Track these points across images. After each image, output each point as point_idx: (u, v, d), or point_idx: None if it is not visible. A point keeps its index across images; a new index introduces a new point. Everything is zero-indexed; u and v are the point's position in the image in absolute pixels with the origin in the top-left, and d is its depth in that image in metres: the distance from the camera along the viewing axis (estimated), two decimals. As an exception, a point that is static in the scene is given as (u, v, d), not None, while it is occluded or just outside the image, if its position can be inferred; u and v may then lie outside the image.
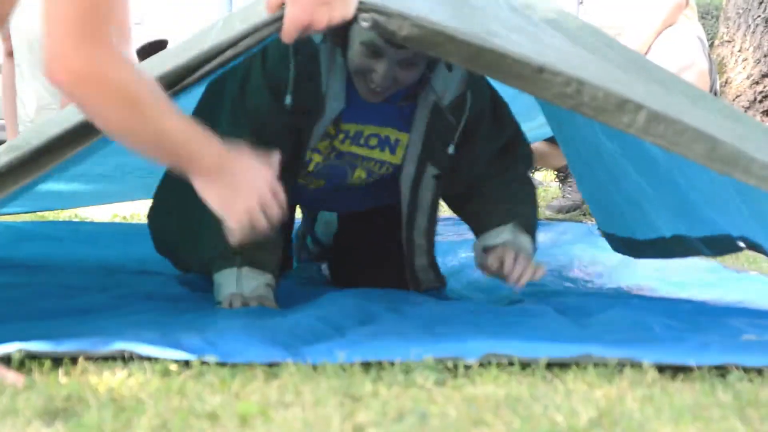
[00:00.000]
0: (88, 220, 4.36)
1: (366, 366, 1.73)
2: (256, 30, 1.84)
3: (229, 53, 1.84)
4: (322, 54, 2.24)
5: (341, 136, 2.38)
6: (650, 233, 2.71)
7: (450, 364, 1.72)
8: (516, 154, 2.49)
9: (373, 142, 2.42)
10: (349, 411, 1.47)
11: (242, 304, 2.15)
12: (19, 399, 1.48)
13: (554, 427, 1.38)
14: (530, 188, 2.51)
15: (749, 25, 5.61)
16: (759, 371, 1.69)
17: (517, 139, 2.50)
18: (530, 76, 1.78)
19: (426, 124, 2.34)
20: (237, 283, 2.20)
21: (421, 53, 2.08)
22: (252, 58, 2.23)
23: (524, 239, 2.35)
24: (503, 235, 2.34)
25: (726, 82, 5.73)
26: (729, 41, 5.57)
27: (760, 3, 5.45)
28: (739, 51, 5.70)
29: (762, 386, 1.62)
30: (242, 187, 1.82)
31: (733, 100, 5.70)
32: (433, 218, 2.49)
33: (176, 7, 6.44)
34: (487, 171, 2.45)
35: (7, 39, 5.69)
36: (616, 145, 2.44)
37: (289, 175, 2.24)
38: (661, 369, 1.71)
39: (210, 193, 1.78)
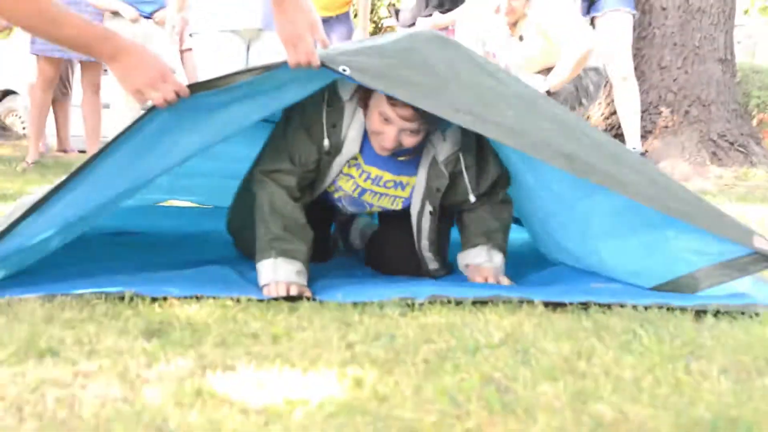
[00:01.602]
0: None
1: (355, 303, 2.15)
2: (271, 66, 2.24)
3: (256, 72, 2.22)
4: (346, 109, 2.48)
5: (364, 176, 2.61)
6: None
7: (410, 302, 2.14)
8: (497, 186, 2.65)
9: (390, 184, 2.64)
10: (343, 333, 1.86)
11: (278, 289, 2.27)
12: (129, 322, 1.88)
13: (477, 344, 1.78)
14: (506, 210, 2.67)
15: None
16: (609, 306, 2.12)
17: (500, 178, 2.66)
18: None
19: (427, 172, 2.57)
20: (274, 270, 2.33)
21: (422, 125, 2.34)
22: (292, 107, 2.47)
23: (496, 256, 2.56)
24: (480, 256, 2.56)
25: (587, 118, 6.69)
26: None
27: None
28: None
29: (611, 316, 2.05)
30: (134, 73, 2.16)
31: None
32: (433, 238, 2.67)
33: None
34: (473, 203, 2.63)
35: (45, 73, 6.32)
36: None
37: (316, 190, 2.61)
38: (546, 304, 2.13)
39: (113, 72, 2.18)
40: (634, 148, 6.14)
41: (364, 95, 2.41)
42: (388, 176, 2.62)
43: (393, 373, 1.60)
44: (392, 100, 2.28)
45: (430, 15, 6.12)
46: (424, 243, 2.69)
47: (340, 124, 2.48)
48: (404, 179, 2.63)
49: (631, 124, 6.21)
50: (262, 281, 2.34)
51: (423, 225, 2.65)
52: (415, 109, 2.25)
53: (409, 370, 1.62)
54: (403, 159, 2.56)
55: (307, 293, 2.30)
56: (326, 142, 2.49)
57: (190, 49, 6.38)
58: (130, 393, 1.44)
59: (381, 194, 2.68)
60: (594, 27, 6.21)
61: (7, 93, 9.26)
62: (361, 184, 2.64)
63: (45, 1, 2.08)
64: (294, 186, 2.50)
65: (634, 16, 6.29)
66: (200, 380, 1.52)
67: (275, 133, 2.60)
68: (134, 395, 1.43)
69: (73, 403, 1.39)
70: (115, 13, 6.21)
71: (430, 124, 2.38)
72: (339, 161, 2.55)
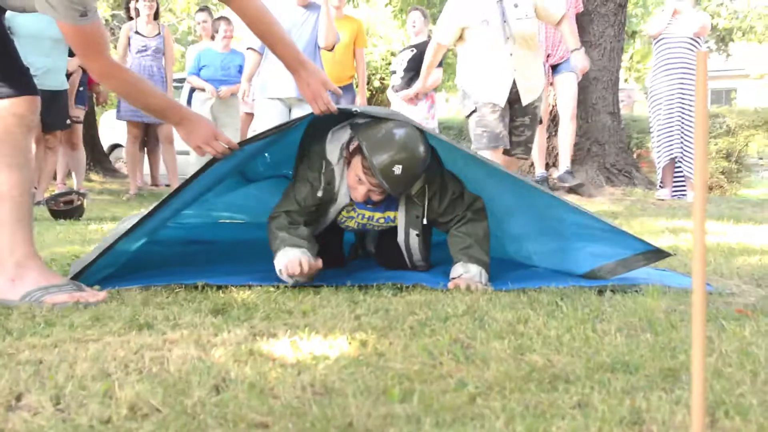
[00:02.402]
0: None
1: (361, 286, 2.17)
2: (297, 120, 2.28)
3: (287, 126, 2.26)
4: (337, 168, 2.28)
5: (360, 216, 2.41)
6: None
7: (399, 286, 2.17)
8: (465, 203, 2.37)
9: (381, 220, 2.43)
10: (352, 309, 1.88)
11: (291, 271, 2.10)
12: (202, 304, 1.89)
13: (447, 314, 1.78)
14: (479, 226, 2.35)
15: None
16: (539, 287, 2.14)
17: (463, 193, 2.38)
18: None
19: (405, 206, 2.34)
20: (284, 255, 2.15)
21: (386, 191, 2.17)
22: (301, 163, 2.36)
23: (472, 267, 2.24)
24: (457, 270, 2.25)
25: (552, 148, 6.61)
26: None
27: None
28: None
29: (540, 293, 2.06)
30: (193, 134, 2.13)
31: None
32: (422, 251, 2.44)
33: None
34: (448, 218, 2.37)
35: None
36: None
37: (321, 223, 2.41)
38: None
39: (179, 133, 2.15)
40: (567, 167, 6.10)
41: (349, 156, 2.25)
42: (377, 215, 2.43)
43: (388, 336, 1.60)
44: (366, 169, 2.16)
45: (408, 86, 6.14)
46: (416, 257, 2.47)
47: (333, 182, 2.31)
48: (391, 214, 2.43)
49: (567, 150, 6.10)
50: (277, 267, 2.16)
51: (411, 245, 2.43)
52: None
53: (399, 334, 1.62)
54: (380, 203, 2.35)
55: (317, 263, 2.14)
56: (320, 193, 2.31)
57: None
58: (202, 354, 1.44)
59: (378, 227, 2.49)
60: (553, 86, 6.15)
61: (116, 146, 9.34)
62: (360, 222, 2.46)
63: (137, 80, 2.11)
64: (296, 218, 2.31)
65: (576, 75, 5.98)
66: (252, 344, 1.51)
67: (286, 190, 2.40)
68: (206, 355, 1.43)
69: (163, 362, 1.39)
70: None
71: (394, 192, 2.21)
72: (334, 208, 2.38)
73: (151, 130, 7.05)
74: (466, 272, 2.24)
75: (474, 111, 4.19)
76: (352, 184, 2.24)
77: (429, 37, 6.40)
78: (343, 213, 2.43)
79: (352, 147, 2.25)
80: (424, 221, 2.36)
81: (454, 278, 2.25)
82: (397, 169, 2.13)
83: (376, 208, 2.39)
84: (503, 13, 4.01)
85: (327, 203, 2.36)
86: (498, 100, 4.12)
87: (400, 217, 2.40)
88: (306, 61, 2.31)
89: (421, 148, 2.17)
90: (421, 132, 2.20)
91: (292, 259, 2.12)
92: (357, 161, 2.20)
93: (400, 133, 2.16)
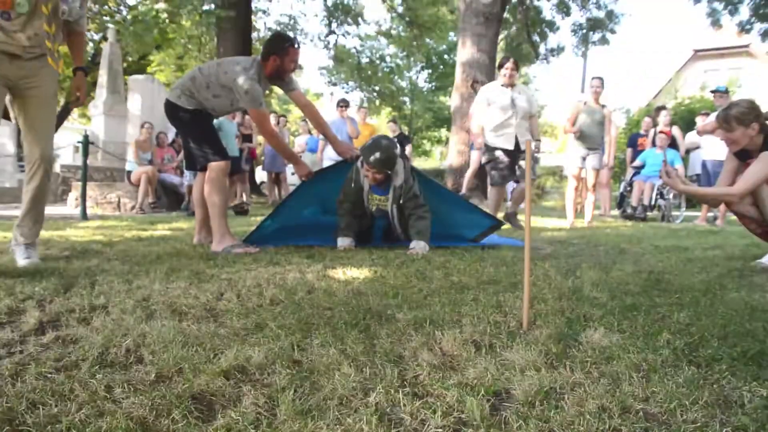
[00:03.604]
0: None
1: (374, 246, 2.07)
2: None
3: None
4: (362, 171, 2.06)
5: (375, 199, 2.12)
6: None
7: (392, 247, 2.03)
8: (419, 205, 2.07)
9: (384, 200, 2.10)
10: (370, 255, 1.81)
11: (345, 248, 1.98)
12: (300, 254, 1.80)
13: (414, 259, 1.72)
14: (426, 218, 2.05)
15: None
16: (447, 247, 2.03)
17: (420, 197, 2.09)
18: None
19: (393, 194, 2.08)
20: (342, 241, 2.03)
21: (381, 173, 1.98)
22: (349, 176, 2.09)
23: (419, 243, 1.97)
24: (413, 244, 1.98)
25: None
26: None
27: None
28: None
29: (450, 249, 1.98)
30: (302, 170, 2.03)
31: None
32: (400, 223, 2.11)
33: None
34: (409, 211, 2.08)
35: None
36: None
37: (360, 207, 2.12)
38: (446, 248, 2.01)
39: (295, 169, 2.03)
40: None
41: (362, 166, 2.07)
42: (383, 198, 2.12)
43: (387, 268, 1.58)
44: (366, 164, 2.01)
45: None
46: (395, 224, 2.14)
47: (359, 178, 2.08)
48: (385, 197, 2.13)
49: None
50: (338, 246, 2.04)
51: (395, 216, 2.13)
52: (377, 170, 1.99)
53: (392, 267, 1.60)
54: (383, 188, 2.11)
55: (352, 246, 2.04)
56: (353, 184, 2.09)
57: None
58: (302, 276, 1.44)
59: (383, 207, 2.15)
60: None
61: (262, 182, 8.27)
62: (377, 203, 2.14)
63: (282, 138, 2.05)
64: (349, 204, 2.11)
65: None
66: (324, 272, 1.51)
67: (341, 188, 2.13)
68: (303, 276, 1.44)
69: (285, 279, 1.40)
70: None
71: (388, 172, 2.03)
72: (364, 195, 2.11)
73: (279, 176, 6.92)
74: (417, 245, 2.00)
75: (490, 160, 3.15)
76: (365, 174, 2.06)
77: (400, 132, 5.68)
78: (369, 196, 2.13)
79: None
80: (401, 201, 2.10)
81: (411, 248, 2.00)
82: (377, 155, 1.99)
83: (381, 192, 2.11)
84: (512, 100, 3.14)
85: (360, 191, 2.11)
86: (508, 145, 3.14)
87: (390, 198, 2.11)
88: (336, 136, 2.22)
89: (391, 147, 2.01)
90: (394, 145, 2.03)
91: (344, 245, 2.04)
92: (365, 165, 2.04)
93: (379, 142, 2.03)
